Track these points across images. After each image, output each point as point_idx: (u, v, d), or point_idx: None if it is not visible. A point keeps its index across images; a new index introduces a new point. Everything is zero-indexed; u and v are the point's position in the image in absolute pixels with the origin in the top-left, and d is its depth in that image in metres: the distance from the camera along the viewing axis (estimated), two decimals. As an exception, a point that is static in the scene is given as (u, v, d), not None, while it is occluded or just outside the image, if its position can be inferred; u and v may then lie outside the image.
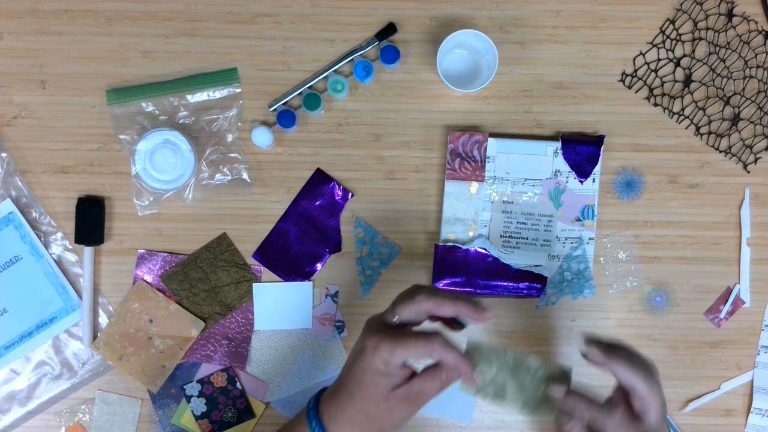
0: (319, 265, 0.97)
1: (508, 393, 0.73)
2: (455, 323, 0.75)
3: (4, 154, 0.96)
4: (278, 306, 0.96)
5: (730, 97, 0.97)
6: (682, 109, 0.98)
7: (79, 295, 0.96)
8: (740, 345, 0.97)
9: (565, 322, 0.97)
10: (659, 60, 0.97)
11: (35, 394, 0.96)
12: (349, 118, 0.97)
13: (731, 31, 0.97)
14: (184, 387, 0.96)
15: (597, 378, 0.86)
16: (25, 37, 0.97)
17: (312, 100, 0.95)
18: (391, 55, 0.95)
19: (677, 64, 0.98)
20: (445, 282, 0.94)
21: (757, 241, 0.97)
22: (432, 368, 0.72)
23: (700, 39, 0.97)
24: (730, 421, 0.97)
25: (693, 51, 0.97)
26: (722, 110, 0.97)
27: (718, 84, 0.97)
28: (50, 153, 0.97)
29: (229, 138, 0.96)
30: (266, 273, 0.97)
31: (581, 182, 0.95)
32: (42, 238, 0.96)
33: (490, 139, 0.95)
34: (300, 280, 0.97)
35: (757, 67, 0.97)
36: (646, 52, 0.97)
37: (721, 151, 0.98)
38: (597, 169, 0.95)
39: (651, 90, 0.98)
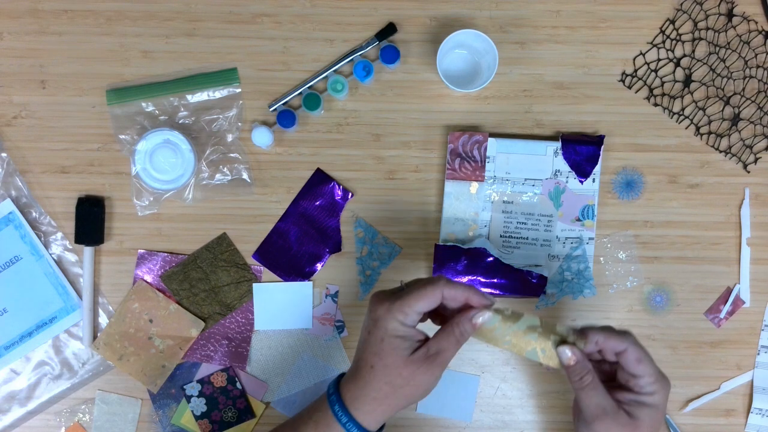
0: (319, 265, 0.97)
1: (521, 324, 0.75)
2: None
3: (4, 154, 0.96)
4: (278, 306, 0.96)
5: (730, 97, 0.97)
6: (682, 109, 0.98)
7: (79, 295, 0.96)
8: (740, 345, 0.97)
9: (565, 322, 0.97)
10: (659, 60, 0.97)
11: (35, 394, 0.96)
12: (349, 118, 0.97)
13: (731, 31, 0.97)
14: (184, 387, 0.96)
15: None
16: (25, 37, 0.97)
17: (312, 100, 0.95)
18: (391, 55, 0.95)
19: (677, 64, 0.98)
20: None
21: (757, 241, 0.97)
22: (445, 326, 0.74)
23: (700, 39, 0.97)
24: (730, 421, 0.97)
25: (693, 51, 0.97)
26: (722, 110, 0.97)
27: (718, 84, 0.97)
28: (50, 153, 0.97)
29: (229, 138, 0.96)
30: (266, 273, 0.97)
31: (581, 182, 0.95)
32: (42, 238, 0.96)
33: (490, 139, 0.95)
34: (300, 280, 0.97)
35: (757, 67, 0.97)
36: (646, 52, 0.97)
37: (721, 151, 0.98)
38: (597, 169, 0.95)
39: (651, 90, 0.98)
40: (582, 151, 0.95)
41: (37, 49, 0.97)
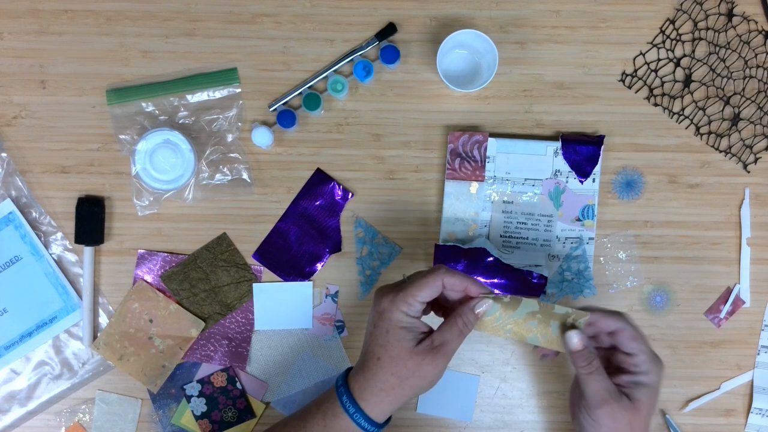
0: (319, 265, 0.97)
1: (520, 310, 0.76)
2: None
3: (4, 154, 0.96)
4: (278, 306, 0.96)
5: (730, 97, 0.97)
6: (682, 109, 0.98)
7: (79, 295, 0.96)
8: (740, 345, 0.97)
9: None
10: (659, 60, 0.97)
11: (35, 394, 0.96)
12: (349, 118, 0.97)
13: (731, 31, 0.97)
14: (184, 387, 0.96)
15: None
16: (25, 37, 0.97)
17: (312, 100, 0.95)
18: (391, 55, 0.95)
19: (677, 64, 0.98)
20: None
21: (757, 241, 0.97)
22: (448, 318, 0.76)
23: (700, 39, 0.97)
24: (730, 421, 0.97)
25: (693, 51, 0.97)
26: (722, 110, 0.97)
27: (718, 84, 0.97)
28: (50, 153, 0.97)
29: (229, 138, 0.96)
30: (266, 273, 0.97)
31: (581, 182, 0.95)
32: (42, 238, 0.96)
33: (490, 139, 0.95)
34: (300, 280, 0.97)
35: (757, 67, 0.97)
36: (646, 52, 0.97)
37: (721, 151, 0.98)
38: (597, 169, 0.95)
39: (651, 90, 0.98)
40: (582, 151, 0.95)
41: (37, 49, 0.97)
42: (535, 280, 0.94)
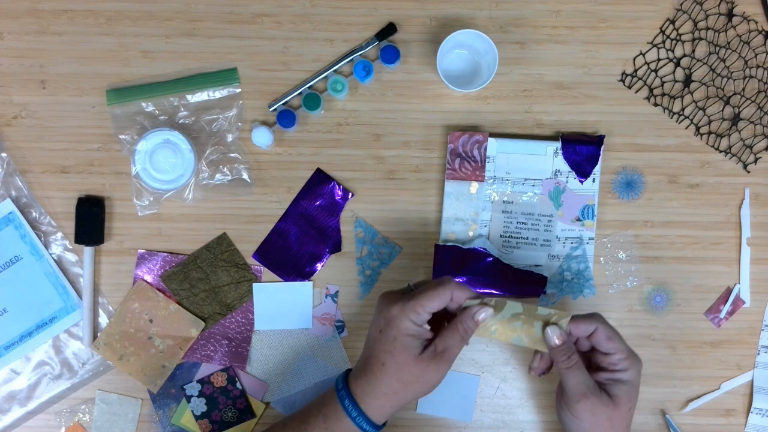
0: (319, 265, 0.97)
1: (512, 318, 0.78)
2: None
3: (4, 154, 0.96)
4: (278, 306, 0.96)
5: (730, 97, 0.97)
6: (682, 109, 0.98)
7: (79, 295, 0.96)
8: (740, 345, 0.97)
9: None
10: (659, 60, 0.97)
11: (35, 394, 0.96)
12: (349, 118, 0.97)
13: (731, 31, 0.97)
14: (184, 387, 0.96)
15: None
16: (25, 37, 0.97)
17: (312, 100, 0.95)
18: (391, 55, 0.95)
19: (677, 64, 0.98)
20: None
21: (757, 241, 0.97)
22: (449, 324, 0.78)
23: (700, 39, 0.97)
24: (730, 421, 0.97)
25: (693, 51, 0.97)
26: (722, 110, 0.97)
27: (718, 84, 0.97)
28: (50, 153, 0.97)
29: (229, 138, 0.96)
30: (266, 273, 0.97)
31: (581, 182, 0.95)
32: (42, 238, 0.96)
33: (490, 139, 0.95)
34: (300, 280, 0.97)
35: (757, 67, 0.97)
36: (646, 52, 0.97)
37: (721, 151, 0.98)
38: (597, 169, 0.95)
39: (651, 90, 0.98)
40: (582, 151, 0.95)
41: (37, 49, 0.97)
42: (535, 280, 0.94)
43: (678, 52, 0.98)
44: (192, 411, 0.96)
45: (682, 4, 0.97)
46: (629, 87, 0.98)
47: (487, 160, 0.95)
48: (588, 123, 0.97)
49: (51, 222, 0.96)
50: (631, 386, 0.78)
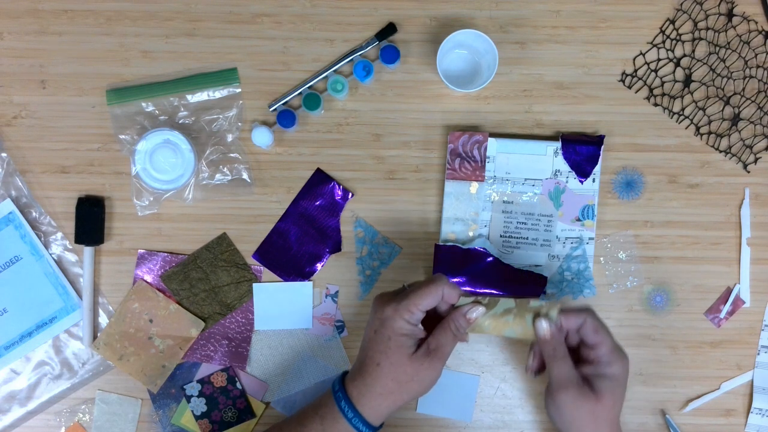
0: (319, 265, 0.97)
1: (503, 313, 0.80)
2: None
3: (4, 154, 0.96)
4: (278, 306, 0.96)
5: (730, 97, 0.97)
6: (682, 109, 0.98)
7: (79, 295, 0.96)
8: (740, 345, 0.97)
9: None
10: (659, 60, 0.97)
11: (35, 394, 0.96)
12: (349, 118, 0.97)
13: (731, 31, 0.97)
14: (184, 387, 0.96)
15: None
16: (25, 37, 0.97)
17: (312, 100, 0.95)
18: (391, 55, 0.95)
19: (677, 64, 0.98)
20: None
21: (757, 241, 0.97)
22: (441, 323, 0.79)
23: (700, 39, 0.97)
24: (730, 421, 0.97)
25: (693, 51, 0.97)
26: (722, 110, 0.97)
27: (718, 84, 0.97)
28: (50, 153, 0.97)
29: (229, 138, 0.96)
30: (266, 273, 0.97)
31: (581, 182, 0.95)
32: (42, 238, 0.96)
33: (490, 139, 0.95)
34: (300, 280, 0.97)
35: (757, 67, 0.97)
36: (646, 52, 0.97)
37: (721, 151, 0.98)
38: (597, 169, 0.95)
39: (651, 90, 0.98)
40: (582, 151, 0.95)
41: (37, 49, 0.97)
42: (535, 280, 0.94)
43: (678, 52, 0.98)
44: (192, 411, 0.96)
45: (682, 4, 0.97)
46: (629, 87, 0.98)
47: (487, 160, 0.95)
48: (588, 123, 0.97)
49: (51, 222, 0.96)
50: (616, 382, 0.78)
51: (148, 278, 0.96)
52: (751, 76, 0.97)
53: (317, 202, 0.97)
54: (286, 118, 0.95)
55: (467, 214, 0.95)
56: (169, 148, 0.93)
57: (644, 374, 0.97)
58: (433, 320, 0.80)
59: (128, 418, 0.96)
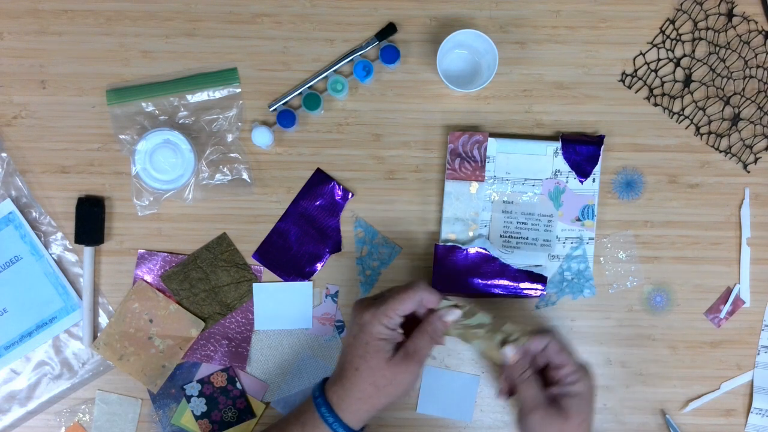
0: (319, 265, 0.97)
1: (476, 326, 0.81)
2: None
3: (4, 154, 0.96)
4: (278, 306, 0.96)
5: (730, 97, 0.97)
6: (682, 109, 0.98)
7: (79, 295, 0.96)
8: (740, 345, 0.97)
9: (565, 322, 0.97)
10: (659, 60, 0.97)
11: (35, 394, 0.96)
12: (349, 118, 0.97)
13: (731, 31, 0.97)
14: (184, 387, 0.96)
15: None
16: (25, 37, 0.97)
17: (312, 100, 0.95)
18: (391, 55, 0.95)
19: (677, 64, 0.98)
20: (445, 282, 0.94)
21: (757, 241, 0.97)
22: (418, 327, 0.80)
23: (700, 39, 0.97)
24: (730, 421, 0.97)
25: (693, 51, 0.97)
26: (722, 110, 0.97)
27: (718, 84, 0.97)
28: (50, 153, 0.97)
29: (229, 138, 0.96)
30: (266, 273, 0.97)
31: (581, 182, 0.95)
32: (42, 238, 0.96)
33: (490, 139, 0.95)
34: (300, 280, 0.97)
35: (757, 67, 0.97)
36: (646, 52, 0.97)
37: (721, 151, 0.98)
38: (597, 169, 0.95)
39: (651, 90, 0.98)
40: (582, 151, 0.95)
41: (37, 49, 0.97)
42: (535, 280, 0.94)
43: (678, 52, 0.98)
44: (192, 411, 0.96)
45: (682, 4, 0.97)
46: (629, 87, 0.98)
47: (487, 160, 0.95)
48: (588, 123, 0.97)
49: (51, 222, 0.96)
50: (582, 399, 0.80)
51: (148, 278, 0.97)
52: (751, 76, 0.97)
53: (317, 202, 0.97)
54: (286, 118, 0.95)
55: (467, 214, 0.95)
56: (169, 148, 0.93)
57: (644, 374, 0.97)
58: (412, 323, 0.81)
59: (128, 418, 0.96)
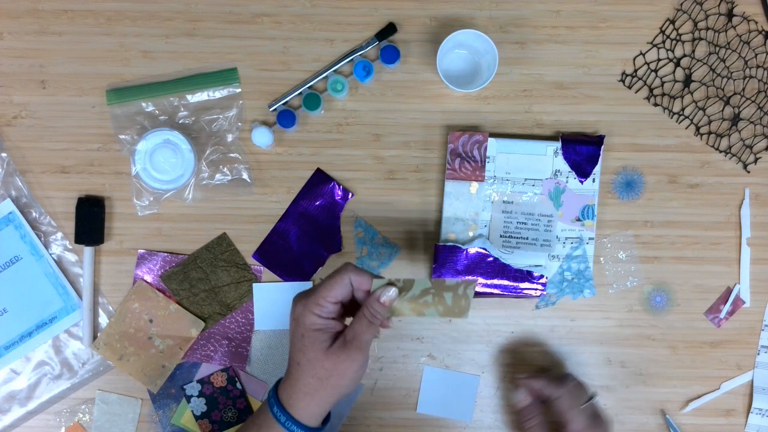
0: (319, 266, 0.97)
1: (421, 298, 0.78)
2: None
3: (4, 154, 0.96)
4: (278, 306, 0.96)
5: (730, 97, 0.97)
6: (682, 109, 0.98)
7: (79, 295, 0.96)
8: (740, 345, 0.97)
9: (565, 322, 0.97)
10: (659, 60, 0.97)
11: (35, 394, 0.96)
12: (349, 118, 0.97)
13: (731, 31, 0.97)
14: (184, 387, 0.96)
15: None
16: (25, 37, 0.97)
17: (312, 100, 0.95)
18: (391, 55, 0.95)
19: (677, 64, 0.98)
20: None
21: (757, 241, 0.97)
22: (358, 311, 0.76)
23: (700, 39, 0.97)
24: (730, 421, 0.97)
25: (693, 51, 0.97)
26: (722, 110, 0.97)
27: (718, 84, 0.97)
28: (50, 153, 0.97)
29: (229, 138, 0.96)
30: (266, 273, 0.97)
31: (581, 182, 0.95)
32: (42, 238, 0.96)
33: (490, 139, 0.95)
34: (300, 280, 0.97)
35: (757, 67, 0.97)
36: (646, 52, 0.98)
37: (721, 151, 0.98)
38: (597, 169, 0.95)
39: (651, 90, 0.98)
40: (582, 151, 0.95)
41: (37, 49, 0.97)
42: (535, 280, 0.94)
43: (678, 52, 0.98)
44: (192, 411, 0.96)
45: (682, 4, 0.97)
46: (629, 87, 0.98)
47: (487, 160, 0.95)
48: (588, 123, 0.97)
49: (51, 222, 0.96)
50: None
51: (148, 278, 0.97)
52: (751, 76, 0.97)
53: (317, 202, 0.97)
54: (286, 118, 0.95)
55: (467, 214, 0.95)
56: (169, 148, 0.93)
57: (644, 374, 0.97)
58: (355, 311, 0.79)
59: (128, 418, 0.96)
